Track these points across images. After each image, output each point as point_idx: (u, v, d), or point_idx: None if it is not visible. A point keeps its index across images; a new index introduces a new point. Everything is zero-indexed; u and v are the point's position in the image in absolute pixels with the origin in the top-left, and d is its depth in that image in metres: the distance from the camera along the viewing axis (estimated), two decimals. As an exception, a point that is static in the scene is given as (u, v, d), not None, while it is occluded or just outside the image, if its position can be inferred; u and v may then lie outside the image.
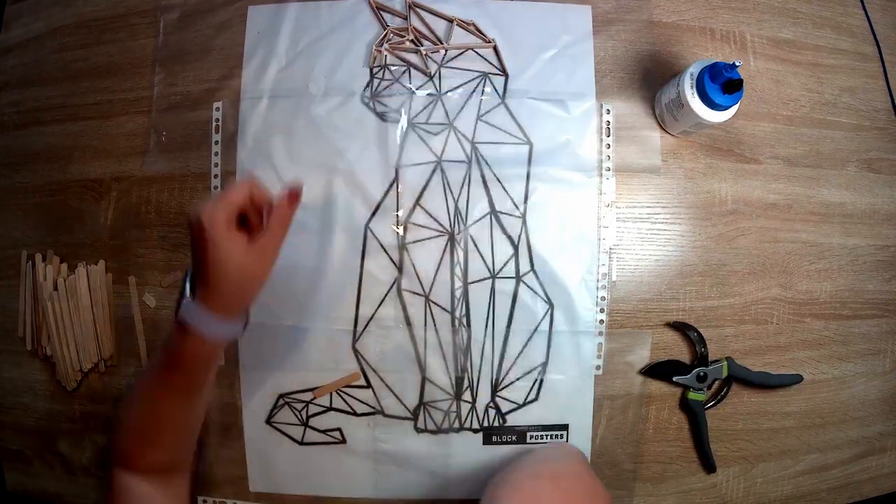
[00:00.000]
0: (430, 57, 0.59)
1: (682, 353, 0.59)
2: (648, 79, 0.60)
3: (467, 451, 0.58)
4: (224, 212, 0.40)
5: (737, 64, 0.50)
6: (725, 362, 0.58)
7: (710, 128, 0.56)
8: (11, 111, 0.64)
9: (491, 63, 0.59)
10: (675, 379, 0.58)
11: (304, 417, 0.57)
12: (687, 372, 0.58)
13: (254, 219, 0.44)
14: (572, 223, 0.58)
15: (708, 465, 0.59)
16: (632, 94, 0.60)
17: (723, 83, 0.51)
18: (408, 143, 0.58)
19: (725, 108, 0.53)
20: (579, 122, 0.59)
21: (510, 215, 0.58)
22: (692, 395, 0.58)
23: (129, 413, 0.47)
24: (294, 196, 0.44)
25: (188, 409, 0.47)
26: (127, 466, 0.47)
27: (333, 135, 0.58)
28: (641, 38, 0.61)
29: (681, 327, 0.58)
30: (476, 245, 0.57)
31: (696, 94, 0.53)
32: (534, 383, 0.58)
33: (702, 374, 0.58)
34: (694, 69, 0.53)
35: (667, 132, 0.60)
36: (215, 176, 0.59)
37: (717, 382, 0.59)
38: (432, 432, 0.57)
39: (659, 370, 0.58)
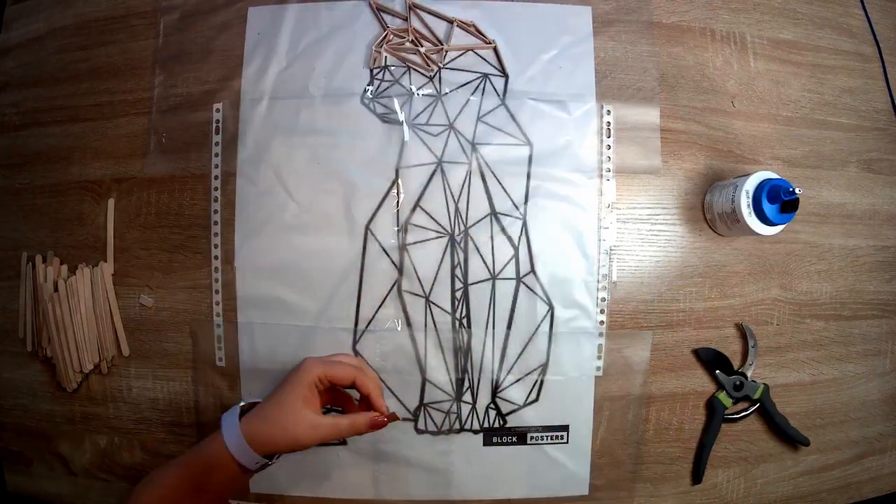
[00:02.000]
0: (430, 58, 0.59)
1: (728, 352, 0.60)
2: (649, 79, 0.60)
3: (468, 452, 0.58)
4: (323, 373, 0.45)
5: (797, 192, 0.50)
6: (763, 386, 0.58)
7: (750, 235, 0.56)
8: (11, 112, 0.64)
9: (491, 64, 0.59)
10: (717, 373, 0.58)
11: (305, 418, 0.57)
12: (730, 374, 0.58)
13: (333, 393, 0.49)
14: (573, 224, 0.58)
15: (697, 474, 0.59)
16: (632, 96, 0.60)
17: (780, 202, 0.52)
18: (408, 144, 0.58)
19: (779, 224, 0.53)
20: (579, 124, 0.59)
21: (510, 216, 0.58)
22: (722, 397, 0.58)
23: None
24: (379, 425, 0.47)
25: None
26: None
27: (334, 136, 0.58)
28: (642, 39, 0.61)
29: (745, 332, 0.59)
30: (476, 246, 0.57)
31: (752, 213, 0.53)
32: (534, 384, 0.58)
33: (738, 382, 0.58)
34: (749, 187, 0.53)
35: (714, 231, 0.60)
36: (216, 177, 0.59)
37: (746, 400, 0.59)
38: (433, 433, 0.57)
39: (708, 357, 0.59)
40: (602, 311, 0.58)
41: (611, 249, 0.59)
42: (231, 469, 0.45)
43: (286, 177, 0.58)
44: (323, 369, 0.46)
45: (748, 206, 0.53)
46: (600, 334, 0.58)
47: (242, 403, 0.46)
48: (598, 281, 0.58)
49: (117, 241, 0.60)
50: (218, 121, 0.60)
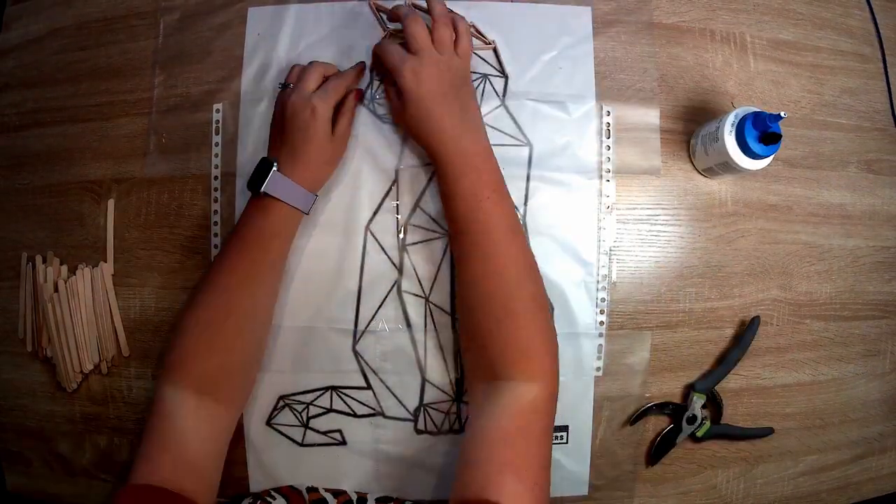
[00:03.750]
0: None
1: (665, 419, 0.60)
2: (648, 80, 0.60)
3: (467, 453, 0.58)
4: (331, 106, 0.51)
5: (782, 115, 0.49)
6: (692, 392, 0.58)
7: (734, 173, 0.56)
8: (11, 112, 0.64)
9: (491, 65, 0.59)
10: (678, 441, 0.58)
11: (305, 419, 0.58)
12: (679, 429, 0.58)
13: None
14: (572, 225, 0.58)
15: (765, 434, 0.59)
16: (632, 96, 0.60)
17: (762, 132, 0.51)
18: (407, 144, 0.58)
19: (757, 158, 0.52)
20: (579, 124, 0.59)
21: (510, 217, 0.58)
22: (701, 433, 0.58)
23: (194, 312, 0.50)
24: (357, 93, 0.56)
25: (259, 298, 0.52)
26: (178, 378, 0.48)
27: (333, 136, 0.58)
28: (642, 40, 0.61)
29: (657, 410, 0.59)
30: (476, 246, 0.57)
31: (733, 133, 0.52)
32: (534, 385, 0.58)
33: (690, 416, 0.58)
34: (741, 111, 0.53)
35: (693, 165, 0.60)
36: (215, 178, 0.59)
37: (706, 405, 0.59)
38: (432, 434, 0.57)
39: (662, 450, 0.59)
40: (602, 312, 0.58)
41: (610, 250, 0.59)
42: (295, 222, 0.52)
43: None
44: (331, 104, 0.51)
45: (732, 124, 0.52)
46: (600, 335, 0.58)
47: (274, 168, 0.49)
48: (597, 281, 0.58)
49: (117, 241, 0.60)
50: (218, 121, 0.60)
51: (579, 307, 0.58)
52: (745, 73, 0.62)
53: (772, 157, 0.53)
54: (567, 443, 0.58)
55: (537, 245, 0.57)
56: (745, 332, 0.58)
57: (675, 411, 0.58)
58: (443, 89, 0.50)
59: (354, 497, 0.53)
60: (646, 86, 0.60)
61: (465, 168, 0.49)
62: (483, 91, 0.59)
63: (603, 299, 0.58)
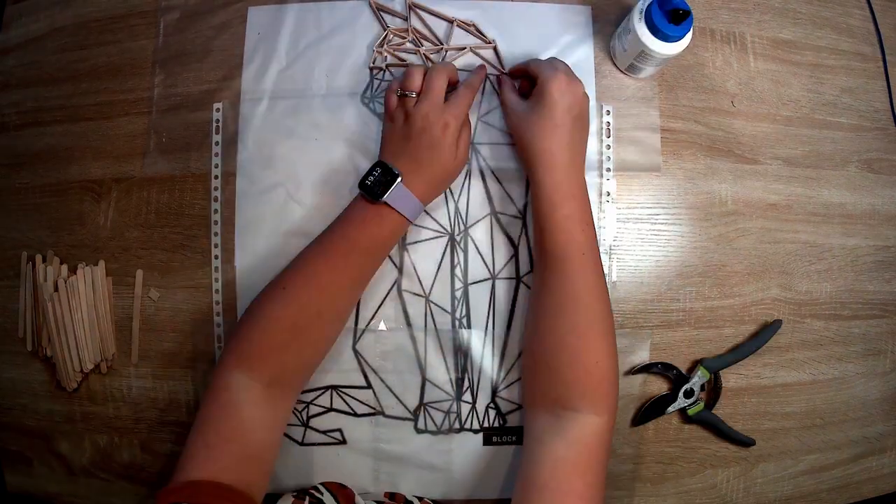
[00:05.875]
0: (429, 58, 0.59)
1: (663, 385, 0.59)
2: (648, 80, 0.60)
3: (468, 452, 0.58)
4: (462, 121, 0.51)
5: None
6: (701, 366, 0.58)
7: (654, 63, 0.55)
8: (11, 112, 0.64)
9: (491, 64, 0.59)
10: (668, 410, 0.58)
11: (305, 418, 0.58)
12: (674, 398, 0.58)
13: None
14: (572, 224, 0.58)
15: (746, 443, 0.59)
16: (632, 95, 0.60)
17: (669, 11, 0.51)
18: (408, 143, 0.58)
19: (672, 39, 0.52)
20: (579, 123, 0.59)
21: (510, 216, 0.58)
22: (692, 411, 0.58)
23: (285, 306, 0.48)
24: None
25: (353, 300, 0.54)
26: (254, 368, 0.47)
27: (334, 136, 0.58)
28: (641, 39, 0.61)
29: (661, 370, 0.58)
30: (476, 246, 0.58)
31: (643, 20, 0.52)
32: (534, 384, 0.58)
33: (687, 390, 0.58)
34: (641, 6, 0.52)
35: (616, 68, 0.60)
36: (216, 177, 0.59)
37: (705, 387, 0.58)
38: (433, 433, 0.58)
39: (651, 413, 0.58)
40: (602, 311, 0.58)
41: (610, 249, 0.59)
42: (403, 231, 0.53)
43: (286, 176, 0.58)
44: (462, 119, 0.51)
45: (641, 11, 0.52)
46: (600, 334, 0.58)
47: (399, 179, 0.49)
48: (597, 281, 0.58)
49: (117, 240, 0.60)
50: (218, 120, 0.60)
51: (579, 306, 0.58)
52: (745, 73, 0.62)
53: (688, 37, 0.52)
54: None
55: (537, 244, 0.57)
56: (765, 330, 0.58)
57: (676, 379, 0.58)
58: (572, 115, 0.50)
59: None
60: (646, 85, 0.60)
61: (566, 197, 0.50)
62: (483, 90, 0.59)
63: (603, 298, 0.58)
